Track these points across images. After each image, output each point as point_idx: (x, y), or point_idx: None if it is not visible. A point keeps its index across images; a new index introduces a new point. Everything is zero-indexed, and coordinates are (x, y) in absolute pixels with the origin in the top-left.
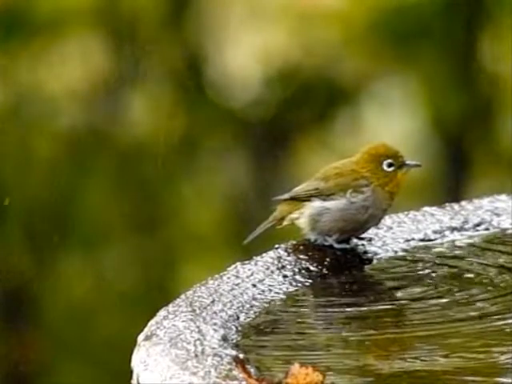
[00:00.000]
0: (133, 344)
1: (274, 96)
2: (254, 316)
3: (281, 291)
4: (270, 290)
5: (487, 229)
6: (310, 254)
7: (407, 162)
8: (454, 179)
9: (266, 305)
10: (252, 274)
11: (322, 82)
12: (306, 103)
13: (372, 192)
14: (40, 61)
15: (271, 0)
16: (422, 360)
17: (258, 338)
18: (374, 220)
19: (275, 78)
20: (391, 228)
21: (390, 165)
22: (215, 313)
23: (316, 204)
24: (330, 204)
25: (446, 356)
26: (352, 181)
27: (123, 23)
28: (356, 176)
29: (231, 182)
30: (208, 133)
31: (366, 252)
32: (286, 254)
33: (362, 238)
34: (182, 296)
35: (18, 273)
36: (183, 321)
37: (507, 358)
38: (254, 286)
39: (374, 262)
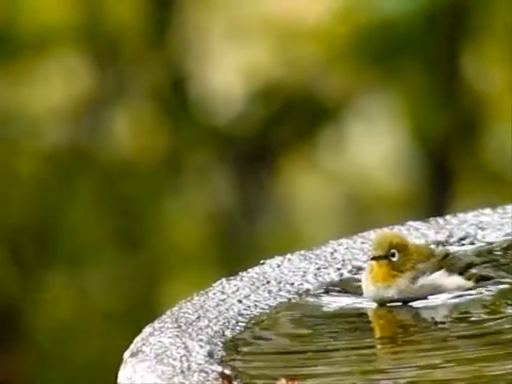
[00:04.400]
0: (118, 361)
1: (257, 113)
2: (239, 332)
3: (266, 307)
4: (256, 306)
5: (472, 243)
6: (294, 269)
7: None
8: (438, 194)
9: (252, 320)
10: (237, 290)
11: (305, 99)
12: (289, 120)
13: (364, 275)
14: (23, 79)
15: (254, 17)
16: (418, 368)
17: (244, 353)
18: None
19: (258, 94)
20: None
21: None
22: (201, 329)
23: None
24: None
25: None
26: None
27: (106, 42)
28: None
29: (215, 199)
30: (192, 150)
31: (350, 267)
32: (271, 269)
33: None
34: (168, 312)
35: (3, 291)
36: (169, 337)
37: None
38: (240, 301)
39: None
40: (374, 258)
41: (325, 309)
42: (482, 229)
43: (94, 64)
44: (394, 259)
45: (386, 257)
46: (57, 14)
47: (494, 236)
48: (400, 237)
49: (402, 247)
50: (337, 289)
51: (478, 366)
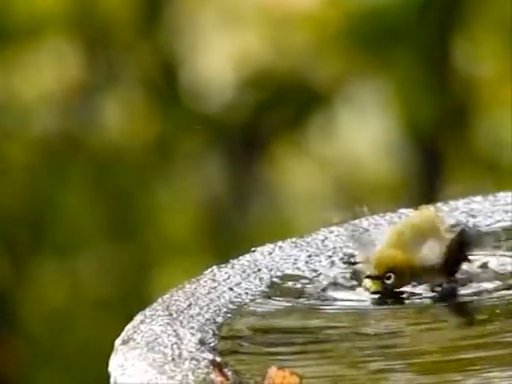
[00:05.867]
0: (110, 349)
1: (248, 100)
2: (230, 319)
3: (258, 294)
4: (247, 293)
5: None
6: (285, 256)
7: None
8: (429, 181)
9: (243, 308)
10: (229, 278)
11: (296, 86)
12: (280, 107)
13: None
14: (14, 67)
15: (245, 4)
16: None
17: (235, 341)
18: None
19: (249, 82)
20: (368, 230)
21: None
22: (192, 316)
23: None
24: None
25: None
26: None
27: (97, 29)
28: None
29: (206, 187)
30: (183, 138)
31: (341, 255)
32: (262, 257)
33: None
34: (159, 300)
35: None
36: (160, 325)
37: None
38: (231, 289)
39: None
40: (368, 276)
41: (318, 298)
42: (473, 216)
43: (85, 51)
44: (389, 282)
45: (380, 278)
46: (47, 1)
47: (485, 223)
48: (400, 257)
49: (400, 267)
50: (334, 282)
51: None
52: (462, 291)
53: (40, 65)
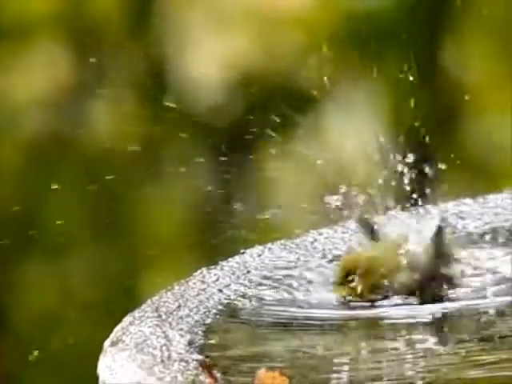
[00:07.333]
0: (99, 351)
1: (236, 101)
2: (220, 321)
3: (247, 296)
4: (236, 295)
5: (453, 232)
6: (275, 258)
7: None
8: (418, 184)
9: (232, 310)
10: (218, 279)
11: (285, 88)
12: (269, 108)
13: None
14: (4, 68)
15: (234, 5)
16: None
17: (225, 342)
18: None
19: (238, 83)
20: (357, 232)
21: None
22: (181, 318)
23: None
24: None
25: None
26: None
27: (87, 31)
28: None
29: (194, 188)
30: (171, 139)
31: (331, 257)
32: (251, 258)
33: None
34: (148, 301)
35: None
36: (149, 326)
37: None
38: (220, 291)
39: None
40: (333, 283)
41: (307, 300)
42: (462, 218)
43: (75, 52)
44: (353, 285)
45: (343, 282)
46: (38, 3)
47: (474, 226)
48: (364, 257)
49: (364, 267)
50: (321, 287)
51: None
52: (452, 304)
53: (30, 66)
